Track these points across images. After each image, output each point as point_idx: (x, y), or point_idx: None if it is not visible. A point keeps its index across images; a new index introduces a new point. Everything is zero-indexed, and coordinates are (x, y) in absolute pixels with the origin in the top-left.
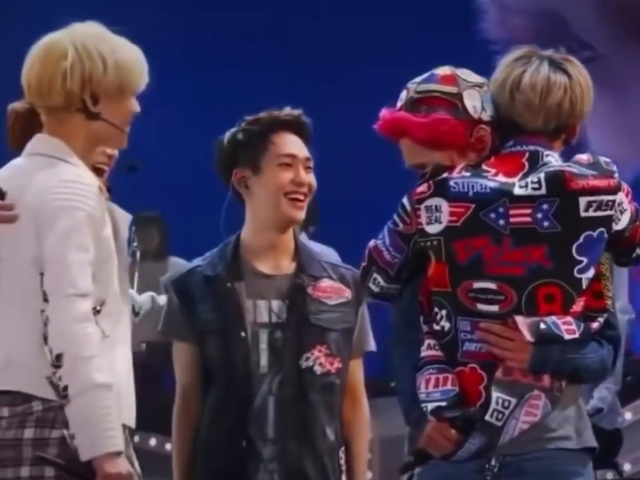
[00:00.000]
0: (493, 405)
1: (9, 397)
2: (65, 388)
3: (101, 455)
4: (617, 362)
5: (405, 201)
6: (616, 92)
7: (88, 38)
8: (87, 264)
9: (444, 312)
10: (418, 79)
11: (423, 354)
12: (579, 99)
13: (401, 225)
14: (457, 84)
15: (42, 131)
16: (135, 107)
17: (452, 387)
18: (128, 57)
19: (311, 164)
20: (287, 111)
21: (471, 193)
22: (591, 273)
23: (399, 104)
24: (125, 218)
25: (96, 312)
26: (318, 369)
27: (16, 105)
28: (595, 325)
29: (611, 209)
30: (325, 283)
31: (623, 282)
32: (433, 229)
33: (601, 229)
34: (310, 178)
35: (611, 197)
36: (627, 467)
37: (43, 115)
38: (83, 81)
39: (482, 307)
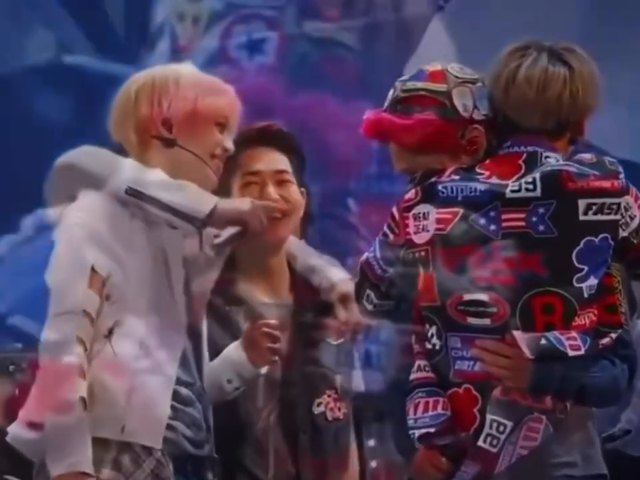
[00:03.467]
0: (486, 430)
1: None
2: None
3: (55, 476)
4: (633, 383)
5: (394, 209)
6: None
7: (169, 68)
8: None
9: (434, 328)
10: (406, 76)
11: (412, 376)
12: (581, 91)
13: (390, 236)
14: (446, 81)
15: None
16: (223, 141)
17: (442, 411)
18: (207, 82)
19: (286, 176)
20: (257, 125)
21: (460, 197)
22: (591, 282)
23: (385, 104)
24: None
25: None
26: (329, 415)
27: None
28: (605, 341)
29: (615, 213)
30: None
31: None
32: (420, 238)
33: (604, 235)
34: (285, 191)
35: (615, 200)
36: None
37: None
38: (152, 103)
39: (473, 320)
